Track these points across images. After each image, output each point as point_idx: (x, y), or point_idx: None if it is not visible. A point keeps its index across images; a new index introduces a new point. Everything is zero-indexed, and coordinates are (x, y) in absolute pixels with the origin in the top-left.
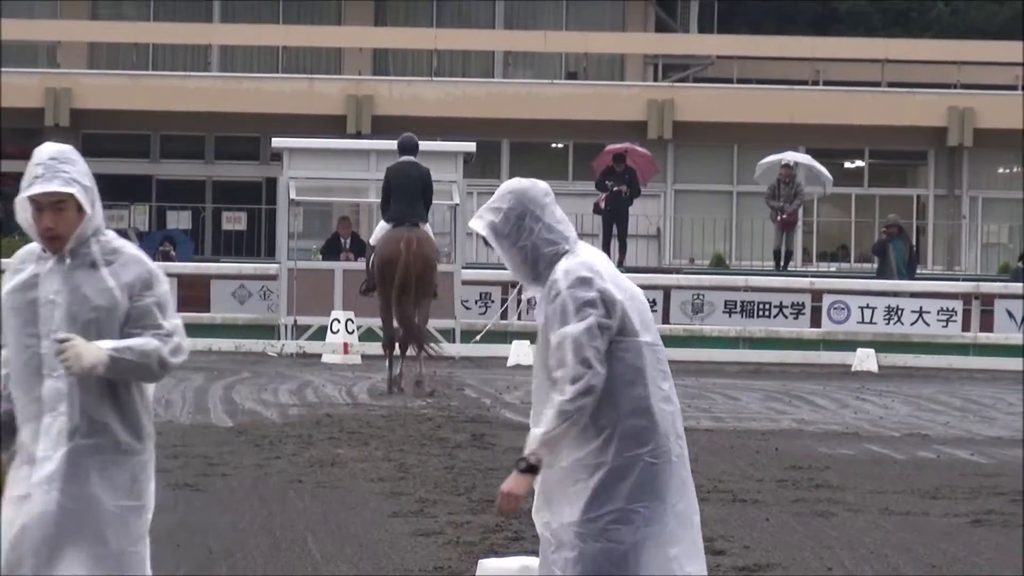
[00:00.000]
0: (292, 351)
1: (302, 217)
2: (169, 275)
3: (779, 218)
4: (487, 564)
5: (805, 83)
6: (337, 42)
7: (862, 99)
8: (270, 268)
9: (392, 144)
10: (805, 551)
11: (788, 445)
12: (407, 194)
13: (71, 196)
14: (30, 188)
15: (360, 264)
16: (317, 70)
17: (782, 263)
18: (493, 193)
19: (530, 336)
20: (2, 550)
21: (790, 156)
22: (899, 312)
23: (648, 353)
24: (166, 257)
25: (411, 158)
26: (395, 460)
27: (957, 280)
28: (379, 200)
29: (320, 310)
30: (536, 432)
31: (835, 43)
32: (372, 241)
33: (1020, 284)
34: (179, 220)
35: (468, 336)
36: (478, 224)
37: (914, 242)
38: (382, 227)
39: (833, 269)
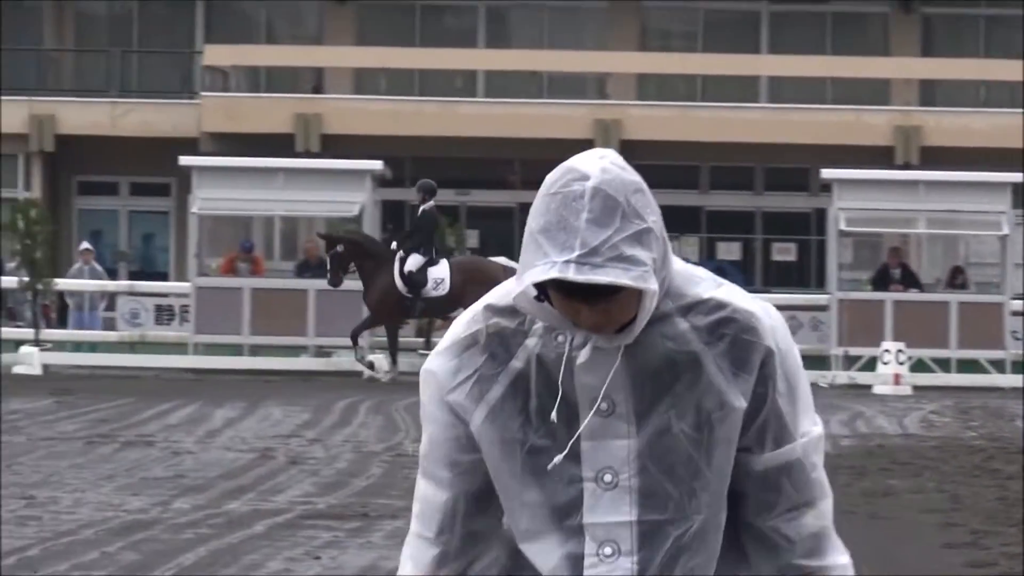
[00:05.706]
0: (843, 382)
1: (852, 248)
2: None
3: None
4: None
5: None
6: (884, 73)
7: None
8: (820, 299)
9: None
10: None
11: None
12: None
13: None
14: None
15: (912, 294)
16: (863, 101)
17: None
18: None
19: None
20: None
21: None
22: None
23: None
24: None
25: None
26: (947, 491)
27: None
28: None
29: (870, 341)
30: None
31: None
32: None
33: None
34: (729, 251)
35: (1020, 367)
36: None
37: None
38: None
39: None
